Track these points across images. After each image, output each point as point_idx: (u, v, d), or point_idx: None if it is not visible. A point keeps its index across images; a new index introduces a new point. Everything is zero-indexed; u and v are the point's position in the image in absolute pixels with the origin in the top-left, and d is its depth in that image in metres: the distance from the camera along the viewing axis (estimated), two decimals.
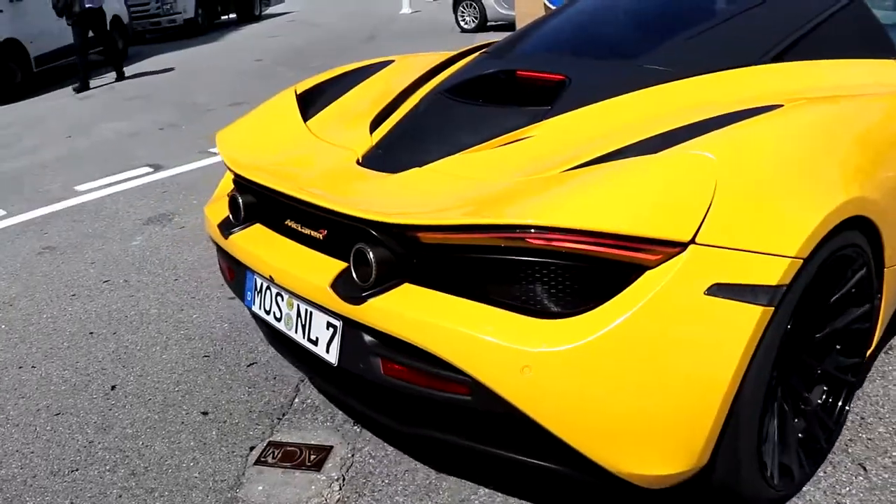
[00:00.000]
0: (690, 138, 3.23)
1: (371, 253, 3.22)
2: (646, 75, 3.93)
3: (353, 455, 4.15)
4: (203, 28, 27.22)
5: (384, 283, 3.23)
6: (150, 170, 9.92)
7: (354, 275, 3.29)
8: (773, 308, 3.00)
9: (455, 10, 21.94)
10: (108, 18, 20.08)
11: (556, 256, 2.94)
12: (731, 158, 3.07)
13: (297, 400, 4.66)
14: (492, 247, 3.01)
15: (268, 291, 3.82)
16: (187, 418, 4.60)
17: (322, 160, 4.00)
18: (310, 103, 4.78)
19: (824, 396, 3.77)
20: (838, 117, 3.64)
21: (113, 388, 5.00)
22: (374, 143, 4.07)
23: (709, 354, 2.93)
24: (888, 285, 3.85)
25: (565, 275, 2.96)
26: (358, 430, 4.34)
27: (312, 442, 4.29)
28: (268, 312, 3.83)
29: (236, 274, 4.11)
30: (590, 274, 2.93)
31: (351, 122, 4.44)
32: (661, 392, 2.91)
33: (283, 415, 4.54)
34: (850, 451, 3.87)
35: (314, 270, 3.48)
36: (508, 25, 21.11)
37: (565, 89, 3.96)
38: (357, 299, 3.24)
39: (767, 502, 3.50)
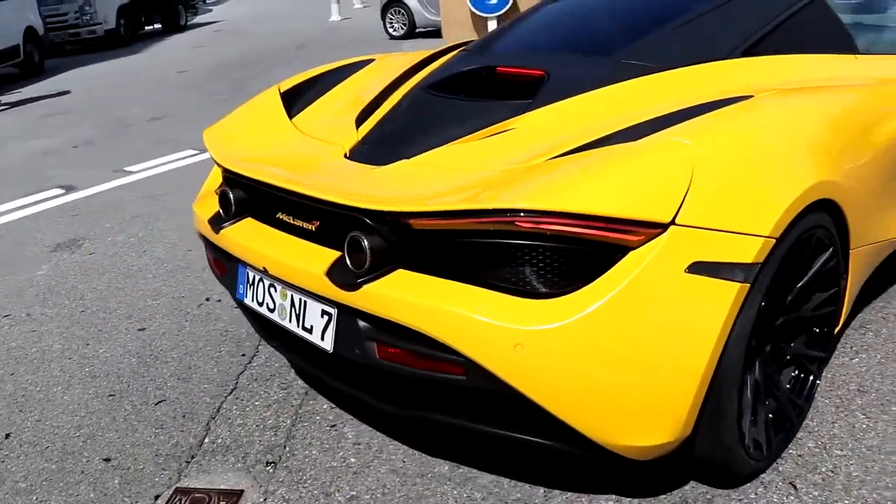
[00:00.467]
0: (668, 127, 3.44)
1: (365, 240, 3.33)
2: (622, 70, 4.10)
3: (265, 499, 3.91)
4: (126, 39, 26.71)
5: (378, 269, 3.35)
6: (62, 191, 9.52)
7: (349, 262, 3.39)
8: (748, 284, 3.19)
9: (384, 17, 21.69)
10: (21, 29, 19.52)
11: (544, 239, 3.08)
12: (708, 144, 3.28)
13: (206, 440, 4.39)
14: (482, 231, 3.13)
15: (260, 283, 3.91)
16: (88, 467, 4.29)
17: (310, 154, 4.10)
18: (293, 101, 4.87)
19: (795, 374, 3.94)
20: (806, 107, 3.87)
21: (7, 436, 4.65)
22: (360, 138, 4.15)
23: (690, 329, 3.10)
24: (853, 266, 4.09)
25: (553, 256, 3.10)
26: (271, 470, 4.10)
27: (222, 486, 4.04)
28: (261, 304, 3.91)
29: (227, 268, 4.19)
30: (577, 255, 3.08)
31: (335, 118, 4.55)
32: (646, 366, 3.08)
33: (192, 457, 4.27)
34: (780, 469, 3.84)
35: (308, 260, 3.58)
36: (437, 31, 20.89)
37: (545, 83, 4.10)
38: (352, 286, 3.35)
39: (745, 472, 3.65)
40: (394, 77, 4.92)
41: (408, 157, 3.77)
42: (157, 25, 30.66)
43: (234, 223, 4.09)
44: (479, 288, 3.16)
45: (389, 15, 21.54)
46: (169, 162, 10.37)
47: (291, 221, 3.82)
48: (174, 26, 30.59)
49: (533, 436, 3.31)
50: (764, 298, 3.31)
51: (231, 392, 4.82)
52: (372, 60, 5.47)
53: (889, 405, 4.23)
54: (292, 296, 3.73)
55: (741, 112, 3.63)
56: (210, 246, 4.35)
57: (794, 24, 4.48)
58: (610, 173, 3.13)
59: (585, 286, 3.03)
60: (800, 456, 3.90)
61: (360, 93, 4.87)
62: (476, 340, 3.08)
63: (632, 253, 3.05)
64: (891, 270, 5.46)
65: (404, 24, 21.35)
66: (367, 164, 3.82)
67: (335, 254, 3.54)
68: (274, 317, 3.85)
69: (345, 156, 3.99)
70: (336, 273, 3.44)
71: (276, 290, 3.82)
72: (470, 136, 3.84)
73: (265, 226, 3.96)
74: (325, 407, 4.57)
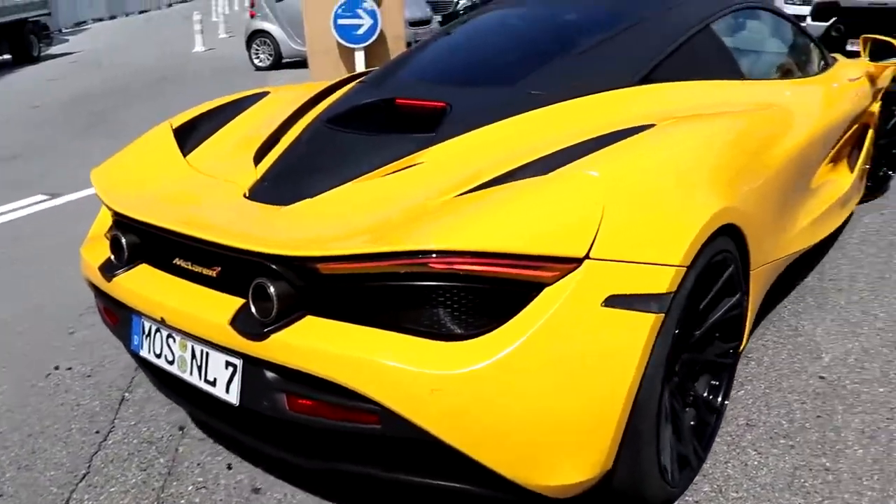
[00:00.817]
0: (575, 159, 3.43)
1: (271, 287, 3.18)
2: (525, 100, 4.09)
3: None
4: None
5: (286, 317, 3.20)
6: None
7: (254, 310, 3.23)
8: (663, 314, 3.23)
9: (249, 48, 21.10)
10: None
11: (457, 279, 3.02)
12: (616, 176, 3.31)
13: None
14: (393, 273, 3.05)
15: (158, 334, 3.70)
16: None
17: (208, 195, 3.95)
18: (186, 137, 4.67)
19: (709, 382, 4.00)
20: (706, 134, 3.98)
21: None
22: (259, 176, 4.01)
23: (609, 363, 3.12)
24: (753, 286, 4.23)
25: (468, 297, 3.04)
26: None
27: None
28: (158, 356, 3.70)
29: (120, 318, 3.94)
30: (492, 294, 3.03)
31: (232, 155, 4.41)
32: (566, 403, 3.07)
33: None
34: None
35: (210, 309, 3.41)
36: (305, 61, 20.37)
37: (447, 115, 4.06)
38: (259, 335, 3.19)
39: (661, 499, 3.61)
40: (291, 110, 4.77)
41: (311, 196, 3.67)
42: (7, 56, 29.35)
43: (127, 270, 3.85)
44: (393, 332, 3.07)
45: (255, 45, 20.96)
46: (15, 210, 9.54)
47: (190, 268, 3.61)
48: (26, 57, 29.24)
49: (452, 481, 3.23)
50: (677, 326, 3.36)
51: (83, 478, 4.25)
52: (266, 93, 5.30)
53: (777, 438, 4.23)
54: (193, 347, 3.54)
55: (646, 142, 3.68)
56: (100, 294, 4.07)
57: (686, 51, 4.65)
58: (521, 209, 3.12)
59: (502, 326, 2.99)
60: (696, 502, 3.82)
61: (257, 128, 4.71)
62: (391, 388, 2.99)
63: (547, 289, 3.02)
64: (767, 297, 5.42)
65: (270, 55, 20.80)
66: (268, 203, 3.71)
67: (239, 301, 3.37)
68: (173, 369, 3.64)
69: (244, 195, 3.86)
70: (241, 322, 3.27)
71: (174, 341, 3.62)
72: (374, 172, 3.78)
73: (161, 272, 3.73)
74: (189, 489, 4.07)
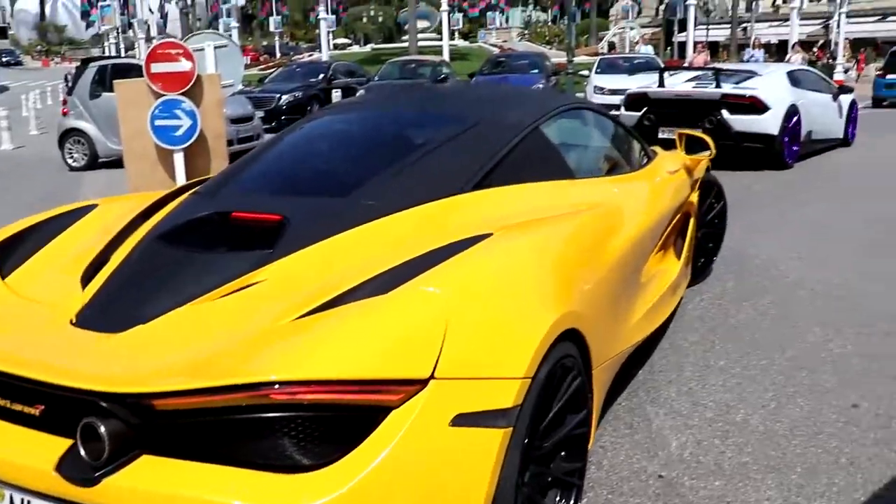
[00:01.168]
0: (415, 275, 3.41)
1: (102, 427, 2.96)
2: (361, 211, 4.06)
3: None
4: None
5: (119, 458, 2.99)
6: None
7: (83, 452, 2.99)
8: (511, 428, 3.23)
9: (62, 146, 20.49)
10: None
11: (302, 409, 2.91)
12: (455, 292, 3.33)
13: None
14: (234, 407, 2.92)
15: None
16: None
17: (30, 322, 3.70)
18: (6, 257, 4.38)
19: (557, 500, 3.90)
20: (542, 241, 4.06)
21: None
22: (87, 300, 3.78)
23: (461, 482, 3.10)
24: (596, 385, 4.26)
25: (314, 425, 2.93)
26: None
27: None
28: None
29: None
30: (338, 421, 2.94)
31: (58, 276, 4.15)
32: None
33: None
34: None
35: (32, 453, 3.11)
36: (122, 161, 19.94)
37: (285, 230, 3.95)
38: (89, 481, 2.96)
39: None
40: (120, 226, 4.56)
41: (144, 322, 3.50)
42: None
43: None
44: (238, 469, 2.92)
45: (68, 144, 20.39)
46: None
47: (9, 406, 3.28)
48: None
49: None
50: (526, 436, 3.36)
51: None
52: (94, 206, 5.02)
53: None
54: (11, 496, 3.19)
55: (483, 254, 3.71)
56: None
57: (517, 155, 4.74)
58: (362, 333, 3.08)
59: (350, 453, 2.90)
60: None
61: (84, 245, 4.45)
62: None
63: (394, 413, 2.96)
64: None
65: (85, 154, 20.27)
66: (98, 331, 3.50)
67: (67, 442, 3.10)
68: None
69: (71, 322, 3.63)
70: (69, 467, 3.02)
71: None
72: (212, 292, 3.65)
73: None
74: None
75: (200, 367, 3.10)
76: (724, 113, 15.96)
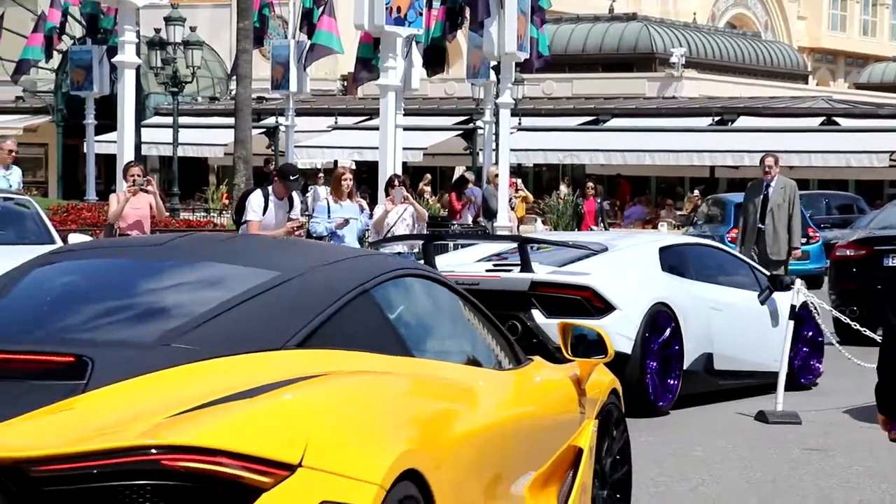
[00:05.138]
0: (269, 391, 3.57)
1: None
2: (175, 354, 3.82)
3: None
4: None
5: None
6: None
7: None
8: None
9: None
10: None
11: (183, 478, 3.12)
12: (314, 401, 3.66)
13: None
14: (115, 473, 3.09)
15: None
16: None
17: None
18: None
19: None
20: (382, 383, 4.14)
21: None
22: None
23: None
24: None
25: (193, 498, 3.13)
26: None
27: None
28: None
29: None
30: (215, 498, 3.16)
31: None
32: None
33: None
34: None
35: None
36: None
37: (92, 366, 3.62)
38: None
39: None
40: None
41: None
42: None
43: None
44: None
45: None
46: None
47: None
48: None
49: None
50: None
51: None
52: None
53: None
54: None
55: (330, 380, 3.87)
56: None
57: (343, 319, 4.31)
58: (237, 419, 3.36)
59: None
60: None
61: None
62: None
63: (265, 495, 3.20)
64: None
65: None
66: None
67: None
68: None
69: None
70: None
71: None
72: (35, 412, 3.39)
73: None
74: None
75: (82, 436, 3.19)
76: (537, 315, 9.91)
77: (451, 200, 25.85)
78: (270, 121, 38.10)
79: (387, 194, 14.73)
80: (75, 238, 13.29)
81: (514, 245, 11.03)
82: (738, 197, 25.37)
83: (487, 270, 10.63)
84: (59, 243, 12.46)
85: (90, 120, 28.80)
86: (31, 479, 3.10)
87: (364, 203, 14.78)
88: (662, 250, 11.20)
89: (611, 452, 5.95)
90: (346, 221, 13.32)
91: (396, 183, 14.64)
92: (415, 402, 4.27)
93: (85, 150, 30.44)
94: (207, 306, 4.15)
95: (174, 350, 3.85)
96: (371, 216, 14.49)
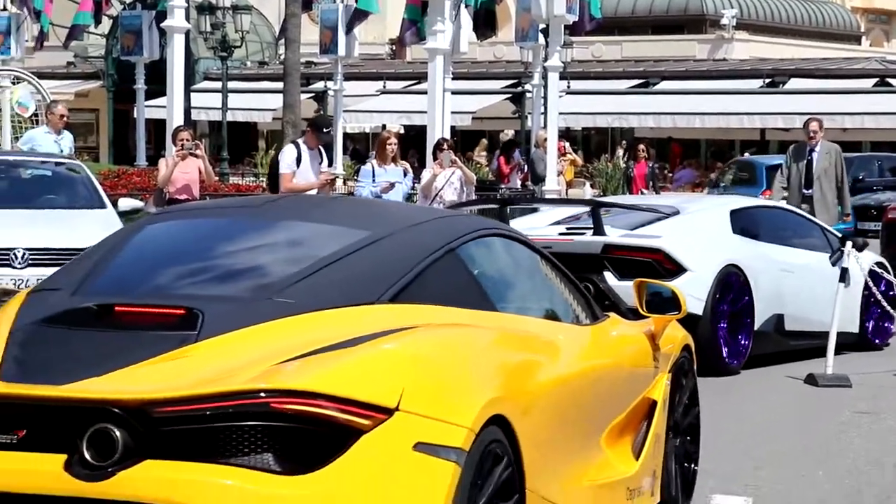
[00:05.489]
0: (365, 342, 3.81)
1: (114, 431, 3.35)
2: (276, 307, 4.08)
3: None
4: None
5: (124, 461, 3.35)
6: None
7: (89, 457, 3.35)
8: (461, 467, 3.63)
9: None
10: None
11: (289, 419, 3.42)
12: (409, 350, 3.92)
13: None
14: (229, 415, 3.40)
15: None
16: None
17: None
18: None
19: None
20: (472, 332, 4.38)
21: None
22: (0, 364, 3.78)
23: (421, 496, 3.56)
24: None
25: (298, 437, 3.43)
26: None
27: None
28: None
29: None
30: (317, 437, 3.44)
31: None
32: None
33: None
34: None
35: (26, 463, 3.44)
36: None
37: (203, 318, 3.93)
38: (101, 475, 3.34)
39: None
40: None
41: (97, 375, 3.60)
42: None
43: None
44: (232, 467, 3.38)
45: None
46: None
47: None
48: None
49: None
50: (471, 483, 3.72)
51: None
52: None
53: None
54: None
55: (422, 331, 4.09)
56: None
57: (433, 274, 4.52)
58: (339, 366, 3.64)
59: (331, 464, 3.41)
60: None
61: None
62: None
63: (365, 436, 3.47)
64: None
65: None
66: (37, 385, 3.58)
67: (57, 457, 3.41)
68: None
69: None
70: (77, 466, 3.38)
71: None
72: (154, 359, 3.72)
73: None
74: None
75: (198, 381, 3.52)
76: (609, 277, 10.10)
77: (500, 164, 25.75)
78: (319, 85, 38.25)
79: (434, 158, 14.72)
80: (125, 203, 13.46)
81: (587, 209, 11.12)
82: (767, 159, 25.49)
83: (561, 234, 10.75)
84: (110, 208, 12.61)
85: (140, 85, 28.85)
86: (153, 420, 3.40)
87: (408, 167, 14.75)
88: (733, 213, 11.34)
89: (682, 403, 6.18)
90: (392, 185, 13.22)
91: (444, 147, 14.63)
92: (501, 353, 4.47)
93: (135, 116, 30.52)
94: (305, 263, 4.40)
95: (276, 304, 4.10)
96: (415, 180, 14.47)
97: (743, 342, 10.56)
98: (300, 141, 13.18)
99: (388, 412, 3.55)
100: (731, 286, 10.50)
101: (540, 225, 11.25)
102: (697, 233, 10.89)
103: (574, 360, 5.04)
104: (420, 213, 5.91)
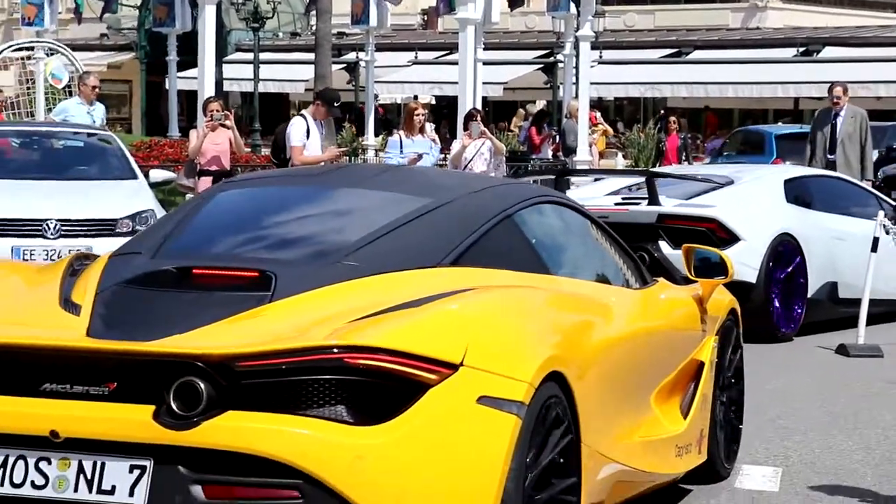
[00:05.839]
0: (430, 302, 4.05)
1: (199, 383, 3.59)
2: (344, 270, 4.36)
3: None
4: None
5: (209, 412, 3.60)
6: None
7: (176, 408, 3.60)
8: (521, 420, 3.86)
9: None
10: None
11: (362, 374, 3.64)
12: (472, 310, 4.18)
13: None
14: (307, 369, 3.63)
15: (19, 462, 3.74)
16: None
17: (46, 332, 4.02)
18: None
19: None
20: (529, 294, 4.61)
21: None
22: (89, 323, 4.03)
23: (484, 446, 3.79)
24: (587, 464, 4.42)
25: (372, 392, 3.66)
26: None
27: None
28: (19, 485, 3.74)
29: None
30: (388, 391, 3.68)
31: (29, 309, 4.39)
32: (453, 477, 3.74)
33: None
34: None
35: (117, 412, 3.67)
36: None
37: (276, 280, 4.21)
38: (188, 424, 3.59)
39: None
40: (48, 280, 4.63)
41: (182, 332, 3.83)
42: None
43: None
44: (310, 418, 3.62)
45: None
46: None
47: (69, 390, 3.76)
48: None
49: None
50: (528, 444, 3.93)
51: None
52: None
53: None
54: (80, 462, 3.69)
55: (482, 293, 4.34)
56: None
57: (491, 239, 4.81)
58: (407, 324, 3.88)
59: (402, 414, 3.66)
60: None
61: (18, 293, 4.65)
62: (321, 458, 3.58)
63: (432, 390, 3.71)
64: None
65: None
66: (126, 341, 3.81)
67: (145, 408, 3.65)
68: (45, 493, 3.71)
69: (87, 334, 3.93)
70: (164, 415, 3.62)
71: (50, 463, 3.72)
72: (224, 320, 3.96)
73: (24, 398, 3.78)
74: None
75: (275, 337, 3.76)
76: (664, 246, 10.21)
77: (531, 135, 25.70)
78: (351, 56, 38.18)
79: (465, 129, 14.70)
80: (156, 174, 13.51)
81: (642, 179, 11.35)
82: (776, 128, 25.35)
83: (616, 204, 10.96)
84: (141, 178, 12.66)
85: (172, 56, 28.91)
86: (234, 373, 3.64)
87: (436, 137, 14.73)
88: (787, 182, 11.52)
89: (728, 367, 6.40)
90: (419, 156, 13.19)
91: (475, 118, 14.59)
92: (557, 313, 4.69)
93: (167, 87, 30.61)
94: (370, 229, 4.65)
95: (344, 266, 4.38)
96: (443, 150, 14.44)
97: (797, 309, 10.79)
98: (306, 113, 13.15)
99: (454, 367, 3.78)
100: (785, 255, 10.69)
101: (597, 195, 11.49)
102: (751, 202, 11.03)
103: (625, 321, 5.27)
104: (477, 182, 6.12)
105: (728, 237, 10.24)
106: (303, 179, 5.91)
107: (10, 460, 3.76)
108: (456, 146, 14.77)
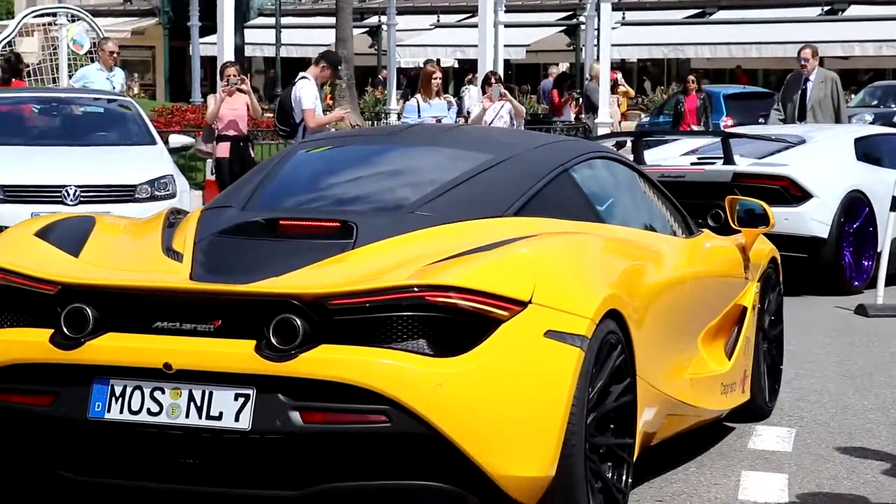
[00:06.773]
0: (499, 247, 4.44)
1: (296, 320, 4.02)
2: (419, 219, 4.81)
3: None
4: None
5: (305, 345, 4.03)
6: None
7: (275, 342, 4.02)
8: (584, 352, 4.27)
9: None
10: None
11: (440, 310, 4.07)
12: (539, 251, 4.55)
13: None
14: (393, 306, 4.07)
15: (136, 392, 4.14)
16: None
17: (155, 277, 4.44)
18: (60, 245, 4.75)
19: (611, 472, 4.66)
20: (590, 239, 5.02)
21: None
22: (191, 267, 4.46)
23: (551, 375, 4.20)
24: (642, 394, 4.82)
25: (450, 327, 4.08)
26: None
27: None
28: (136, 412, 4.12)
29: (60, 395, 4.20)
30: (468, 326, 4.09)
31: (134, 256, 4.79)
32: (523, 402, 4.14)
33: None
34: None
35: (223, 347, 4.10)
36: None
37: (357, 230, 4.64)
38: (285, 357, 4.00)
39: None
40: (150, 231, 5.05)
41: (276, 276, 4.24)
42: None
43: (93, 338, 4.19)
44: (396, 350, 4.05)
45: None
46: None
47: (178, 327, 4.19)
48: None
49: (438, 481, 4.07)
50: (592, 367, 4.35)
51: None
52: (93, 218, 5.23)
53: None
54: (191, 391, 4.10)
55: (546, 238, 4.74)
56: (27, 377, 4.26)
57: (551, 191, 5.25)
58: (481, 265, 4.27)
59: (478, 346, 4.06)
60: None
61: (125, 241, 5.04)
62: (405, 385, 3.99)
63: (503, 325, 4.11)
64: None
65: None
66: (224, 284, 4.25)
67: (247, 342, 4.07)
68: (160, 419, 4.10)
69: (191, 278, 4.36)
70: (266, 349, 4.03)
71: (164, 392, 4.12)
72: (313, 264, 4.37)
73: (139, 335, 4.19)
74: None
75: (362, 278, 4.20)
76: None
77: (553, 97, 25.57)
78: (373, 20, 38.08)
79: (484, 92, 14.65)
80: (175, 139, 13.50)
81: (718, 139, 11.61)
82: (724, 88, 25.48)
83: (692, 163, 11.39)
84: (160, 144, 12.67)
85: (194, 22, 28.91)
86: (327, 311, 4.07)
87: (452, 100, 14.69)
88: (857, 140, 11.85)
89: (769, 311, 6.82)
90: (438, 120, 13.14)
91: (493, 80, 14.54)
92: (614, 257, 5.10)
93: (190, 53, 30.60)
94: (440, 182, 5.12)
95: (418, 216, 4.84)
96: (459, 112, 14.41)
97: (866, 264, 11.16)
98: (308, 75, 12.93)
99: (523, 304, 4.16)
100: (855, 211, 11.04)
101: (673, 155, 12.04)
102: (823, 160, 11.39)
103: (674, 267, 5.69)
104: (535, 139, 6.68)
105: (801, 195, 10.65)
106: (375, 139, 6.47)
107: (128, 390, 4.16)
108: (476, 109, 14.74)
